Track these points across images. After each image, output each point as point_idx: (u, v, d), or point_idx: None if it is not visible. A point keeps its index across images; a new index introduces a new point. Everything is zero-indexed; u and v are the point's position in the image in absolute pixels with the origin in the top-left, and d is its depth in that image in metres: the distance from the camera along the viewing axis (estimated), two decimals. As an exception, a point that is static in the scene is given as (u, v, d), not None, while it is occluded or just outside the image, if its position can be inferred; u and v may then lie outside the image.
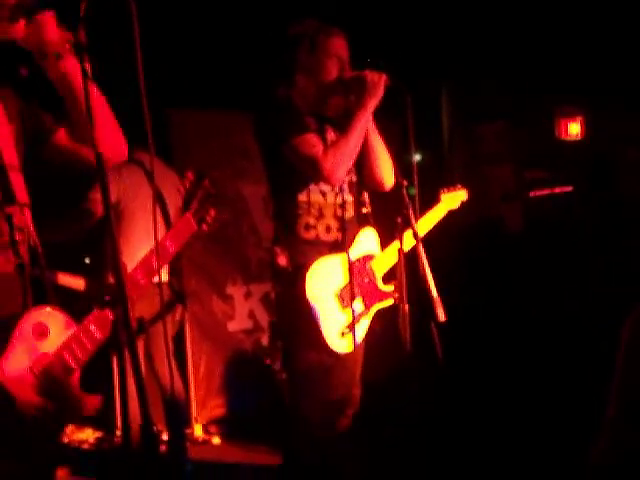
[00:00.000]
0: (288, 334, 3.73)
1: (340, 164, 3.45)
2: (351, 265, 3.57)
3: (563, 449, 4.41)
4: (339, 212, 3.63)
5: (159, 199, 4.62)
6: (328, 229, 3.60)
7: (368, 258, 3.73)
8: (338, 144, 3.48)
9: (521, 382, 5.52)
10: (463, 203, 4.55)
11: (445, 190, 4.47)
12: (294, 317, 3.57)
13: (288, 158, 3.51)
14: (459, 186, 4.56)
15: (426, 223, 4.18)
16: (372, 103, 3.53)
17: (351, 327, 3.55)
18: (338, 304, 3.54)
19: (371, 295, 3.70)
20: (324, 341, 3.49)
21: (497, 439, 4.83)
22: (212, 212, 2.72)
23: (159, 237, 4.57)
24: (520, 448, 4.66)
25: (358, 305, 3.62)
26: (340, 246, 3.62)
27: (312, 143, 3.49)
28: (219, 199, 2.75)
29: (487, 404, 5.35)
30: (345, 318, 3.56)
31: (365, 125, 3.56)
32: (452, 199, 4.46)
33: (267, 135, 3.61)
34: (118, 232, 4.55)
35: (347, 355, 3.65)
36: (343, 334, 3.53)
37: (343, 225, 3.64)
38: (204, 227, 2.72)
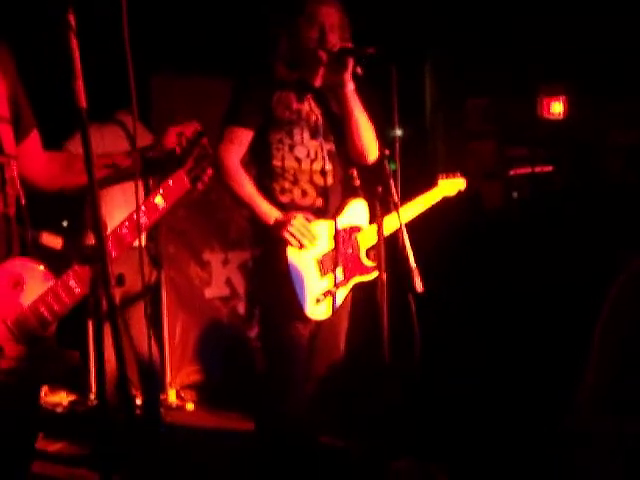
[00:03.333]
0: (264, 297, 3.75)
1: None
2: (337, 233, 3.61)
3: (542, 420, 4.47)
4: (316, 179, 3.65)
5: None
6: (304, 193, 3.63)
7: (355, 229, 3.75)
8: None
9: (501, 356, 5.57)
10: (460, 192, 4.47)
11: (444, 176, 4.40)
12: (271, 279, 3.60)
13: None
14: (458, 174, 4.47)
15: (418, 206, 4.12)
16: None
17: (329, 294, 3.58)
18: (317, 270, 3.57)
19: (352, 266, 3.72)
20: (299, 305, 3.51)
21: (480, 409, 4.88)
22: (209, 171, 2.66)
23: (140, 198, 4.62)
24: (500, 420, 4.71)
25: (338, 274, 3.64)
26: (325, 212, 3.65)
27: (231, 139, 3.60)
28: (213, 159, 2.70)
29: (465, 375, 5.39)
30: (322, 285, 3.58)
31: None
32: (450, 186, 4.39)
33: (227, 106, 3.70)
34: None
35: (326, 323, 3.68)
36: (318, 300, 3.55)
37: (326, 193, 3.68)
38: (199, 186, 2.63)
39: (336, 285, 3.61)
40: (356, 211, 3.77)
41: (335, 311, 3.67)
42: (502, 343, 5.78)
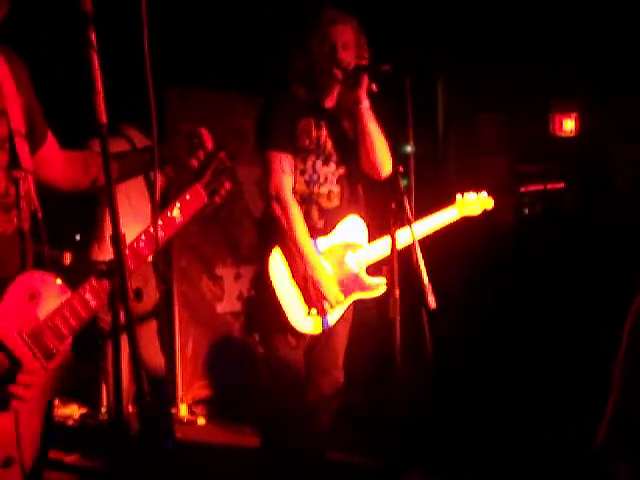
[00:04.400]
0: (259, 317, 3.76)
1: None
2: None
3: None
4: (322, 201, 3.67)
5: (144, 175, 4.64)
6: (307, 214, 3.64)
7: (350, 247, 3.75)
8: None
9: (513, 371, 5.56)
10: (486, 211, 4.21)
11: (463, 194, 4.15)
12: (262, 299, 3.62)
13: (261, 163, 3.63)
14: (484, 192, 4.20)
15: (433, 223, 3.98)
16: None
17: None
18: (298, 290, 3.58)
19: (349, 283, 3.71)
20: (287, 322, 3.53)
21: (490, 432, 4.87)
22: (227, 185, 2.65)
23: (147, 214, 4.63)
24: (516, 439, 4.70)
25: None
26: (320, 232, 3.66)
27: (283, 167, 3.57)
28: (234, 173, 2.69)
29: (477, 389, 5.39)
30: None
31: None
32: (471, 204, 4.14)
33: (258, 132, 3.69)
34: (103, 206, 4.58)
35: (325, 339, 3.69)
36: (309, 314, 3.56)
37: (329, 215, 3.71)
38: (216, 200, 2.63)
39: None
40: (350, 228, 3.77)
41: (332, 326, 3.68)
42: (514, 357, 5.77)
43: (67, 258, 4.92)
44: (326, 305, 3.54)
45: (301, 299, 3.57)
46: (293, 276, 3.56)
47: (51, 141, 2.61)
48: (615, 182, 7.73)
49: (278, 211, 3.54)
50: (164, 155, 2.68)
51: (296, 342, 3.63)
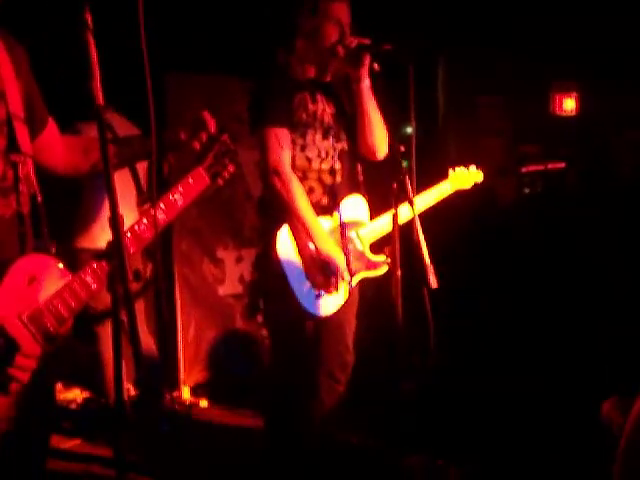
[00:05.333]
0: (265, 296, 3.75)
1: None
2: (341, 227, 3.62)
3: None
4: (324, 177, 3.66)
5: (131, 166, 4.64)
6: (310, 190, 3.64)
7: (354, 225, 3.74)
8: None
9: (513, 352, 5.57)
10: (477, 184, 4.40)
11: (453, 168, 4.32)
12: (270, 279, 3.60)
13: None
14: (473, 165, 4.40)
15: (427, 199, 4.08)
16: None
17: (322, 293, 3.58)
18: None
19: (356, 262, 3.71)
20: (298, 302, 3.52)
21: (491, 408, 4.88)
22: (230, 168, 2.65)
23: (134, 198, 4.61)
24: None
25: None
26: (330, 210, 3.65)
27: (280, 142, 3.55)
28: (236, 155, 2.68)
29: (478, 373, 5.40)
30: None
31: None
32: (463, 178, 4.32)
33: (252, 111, 3.68)
34: (88, 192, 4.58)
35: (334, 320, 3.68)
36: (318, 296, 3.55)
37: (332, 191, 3.69)
38: (219, 182, 2.64)
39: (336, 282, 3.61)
40: (353, 206, 3.76)
41: (341, 308, 3.67)
42: (515, 338, 5.77)
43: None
44: (333, 280, 3.53)
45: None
46: (299, 253, 3.55)
47: (52, 127, 2.61)
48: (616, 163, 7.71)
49: (278, 185, 3.52)
50: (166, 142, 2.67)
51: (303, 322, 3.63)
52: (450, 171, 4.30)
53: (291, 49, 3.67)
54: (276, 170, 3.52)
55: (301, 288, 3.53)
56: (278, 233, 3.54)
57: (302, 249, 3.53)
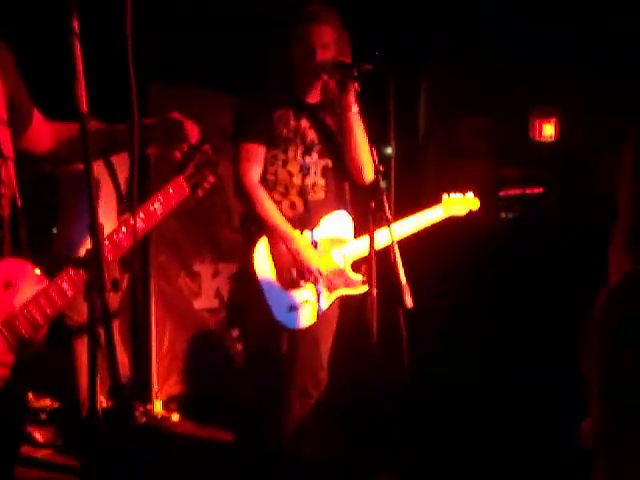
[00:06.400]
0: (242, 311, 3.78)
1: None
2: (313, 245, 3.65)
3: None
4: (307, 192, 3.69)
5: (109, 167, 4.62)
6: (292, 205, 3.68)
7: (335, 242, 3.76)
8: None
9: (492, 370, 5.58)
10: (471, 212, 4.27)
11: (449, 193, 4.19)
12: (246, 293, 3.63)
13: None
14: (471, 192, 4.27)
15: (417, 223, 4.02)
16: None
17: (296, 306, 3.60)
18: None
19: (335, 278, 3.72)
20: (273, 317, 3.54)
21: (464, 422, 4.88)
22: (211, 179, 2.65)
23: (114, 207, 4.59)
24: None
25: (307, 290, 3.65)
26: (310, 225, 3.68)
27: (249, 156, 3.63)
28: (217, 167, 2.68)
29: (453, 389, 5.40)
30: (297, 294, 3.61)
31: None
32: (457, 204, 4.19)
33: (233, 124, 3.77)
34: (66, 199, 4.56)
35: (310, 337, 3.69)
36: (291, 309, 3.57)
37: (314, 207, 3.71)
38: (199, 192, 2.63)
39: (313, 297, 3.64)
40: (336, 223, 3.78)
41: (316, 323, 3.68)
42: (492, 357, 5.78)
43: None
44: (307, 276, 3.56)
45: (284, 292, 3.58)
46: (273, 257, 3.57)
47: (37, 119, 2.59)
48: (595, 186, 7.76)
49: (244, 197, 3.61)
50: (149, 134, 2.65)
51: (279, 336, 3.64)
52: (444, 196, 4.19)
53: (272, 67, 3.72)
54: (241, 182, 3.62)
55: (277, 302, 3.55)
56: (255, 248, 3.56)
57: (275, 252, 3.59)
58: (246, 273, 3.62)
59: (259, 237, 3.61)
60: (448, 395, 5.30)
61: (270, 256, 3.59)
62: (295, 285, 3.61)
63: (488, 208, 7.96)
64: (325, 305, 3.72)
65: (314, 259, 3.60)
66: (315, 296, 3.66)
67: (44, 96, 2.66)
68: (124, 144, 2.69)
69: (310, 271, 3.58)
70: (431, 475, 4.42)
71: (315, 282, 3.61)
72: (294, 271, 3.61)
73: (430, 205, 4.13)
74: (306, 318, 3.63)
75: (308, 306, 3.65)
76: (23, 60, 2.48)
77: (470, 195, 4.26)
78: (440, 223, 4.18)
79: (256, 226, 3.65)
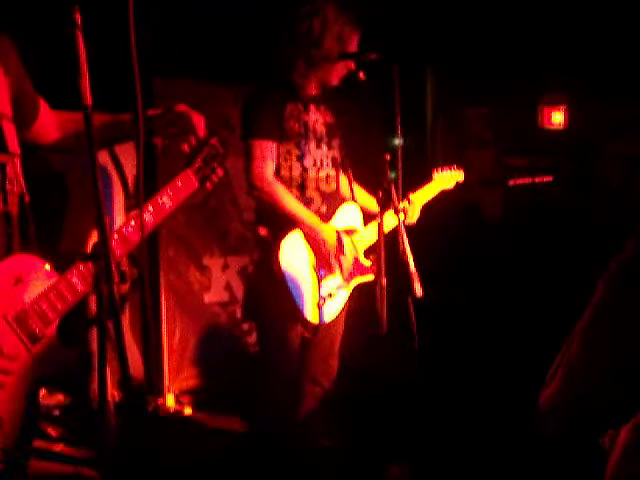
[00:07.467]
0: (263, 305, 3.76)
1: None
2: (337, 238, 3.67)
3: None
4: (322, 185, 3.70)
5: (116, 164, 4.63)
6: (310, 200, 3.68)
7: (349, 232, 3.78)
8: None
9: (500, 362, 5.57)
10: (459, 183, 4.52)
11: (439, 169, 4.44)
12: (269, 287, 3.61)
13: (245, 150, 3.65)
14: (455, 166, 4.52)
15: (417, 200, 4.16)
16: None
17: (328, 297, 3.61)
18: (313, 275, 3.59)
19: (352, 268, 3.74)
20: (298, 311, 3.53)
21: (476, 416, 4.88)
22: (219, 171, 2.65)
23: (120, 202, 4.61)
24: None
25: (337, 277, 3.66)
26: (328, 217, 3.69)
27: (263, 154, 3.60)
28: (225, 159, 2.67)
29: (462, 375, 5.40)
30: (322, 289, 3.60)
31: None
32: (446, 179, 4.43)
33: (242, 120, 3.72)
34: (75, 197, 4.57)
35: (325, 326, 3.70)
36: (319, 305, 3.57)
37: (329, 199, 3.74)
38: (208, 186, 2.63)
39: (335, 289, 3.64)
40: (348, 213, 3.81)
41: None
42: (500, 348, 5.78)
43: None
44: (333, 260, 3.61)
45: (314, 286, 3.59)
46: (318, 252, 3.61)
47: (44, 110, 2.60)
48: (604, 176, 7.74)
49: (263, 194, 3.57)
50: (154, 126, 2.65)
51: (299, 330, 3.65)
52: (435, 172, 4.43)
53: (291, 61, 3.71)
54: (259, 181, 3.58)
55: (301, 297, 3.55)
56: (282, 242, 3.55)
57: (311, 243, 3.61)
58: (269, 267, 3.59)
59: (286, 231, 3.60)
60: (456, 385, 5.30)
61: (308, 247, 3.60)
62: (324, 276, 3.63)
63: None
64: (346, 296, 3.75)
65: (332, 240, 3.61)
66: (341, 288, 3.68)
67: (49, 88, 2.66)
68: (130, 134, 2.68)
69: (339, 261, 3.60)
70: (441, 465, 4.41)
71: (342, 272, 3.63)
72: (327, 261, 3.62)
73: (426, 183, 4.37)
74: (332, 311, 3.66)
75: (335, 299, 3.67)
76: (27, 53, 2.48)
77: (454, 168, 4.53)
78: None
79: (275, 222, 3.63)
